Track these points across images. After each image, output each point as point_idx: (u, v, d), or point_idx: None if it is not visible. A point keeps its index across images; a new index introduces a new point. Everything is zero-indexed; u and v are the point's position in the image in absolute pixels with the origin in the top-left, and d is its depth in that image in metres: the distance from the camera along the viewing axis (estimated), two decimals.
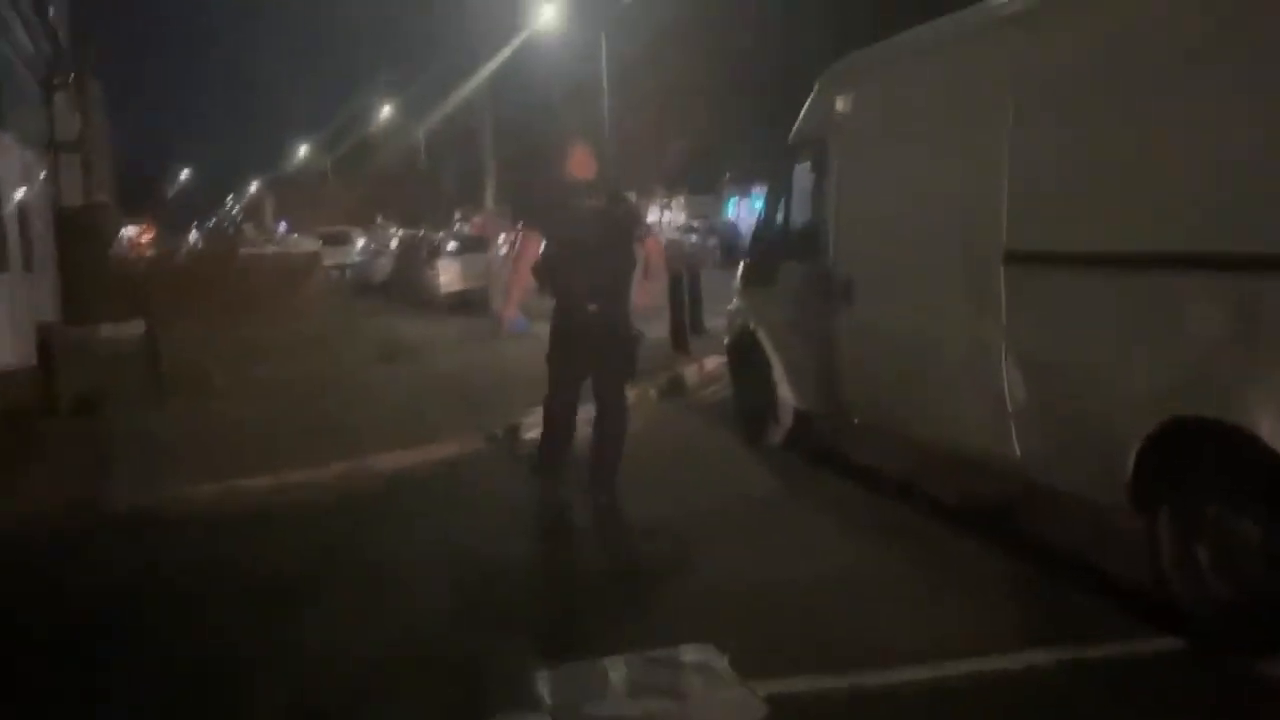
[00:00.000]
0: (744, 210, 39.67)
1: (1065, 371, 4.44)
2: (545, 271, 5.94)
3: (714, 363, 10.77)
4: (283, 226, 74.38)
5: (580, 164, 6.06)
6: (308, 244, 27.57)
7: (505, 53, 26.87)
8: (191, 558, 5.63)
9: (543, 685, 3.77)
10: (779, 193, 7.00)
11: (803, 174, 6.69)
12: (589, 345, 5.80)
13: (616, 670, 3.87)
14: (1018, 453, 4.77)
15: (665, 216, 42.35)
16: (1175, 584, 4.00)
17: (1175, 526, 3.98)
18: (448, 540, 5.73)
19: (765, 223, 7.17)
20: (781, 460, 6.95)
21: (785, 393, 6.92)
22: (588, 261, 5.74)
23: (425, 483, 7.10)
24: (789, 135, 6.78)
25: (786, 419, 7.03)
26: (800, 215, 6.81)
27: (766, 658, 3.94)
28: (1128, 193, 4.07)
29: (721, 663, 3.89)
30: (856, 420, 6.31)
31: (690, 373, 10.40)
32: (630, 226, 6.01)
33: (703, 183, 42.50)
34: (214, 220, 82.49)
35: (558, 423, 6.09)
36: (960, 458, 5.43)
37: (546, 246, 5.91)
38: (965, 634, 4.10)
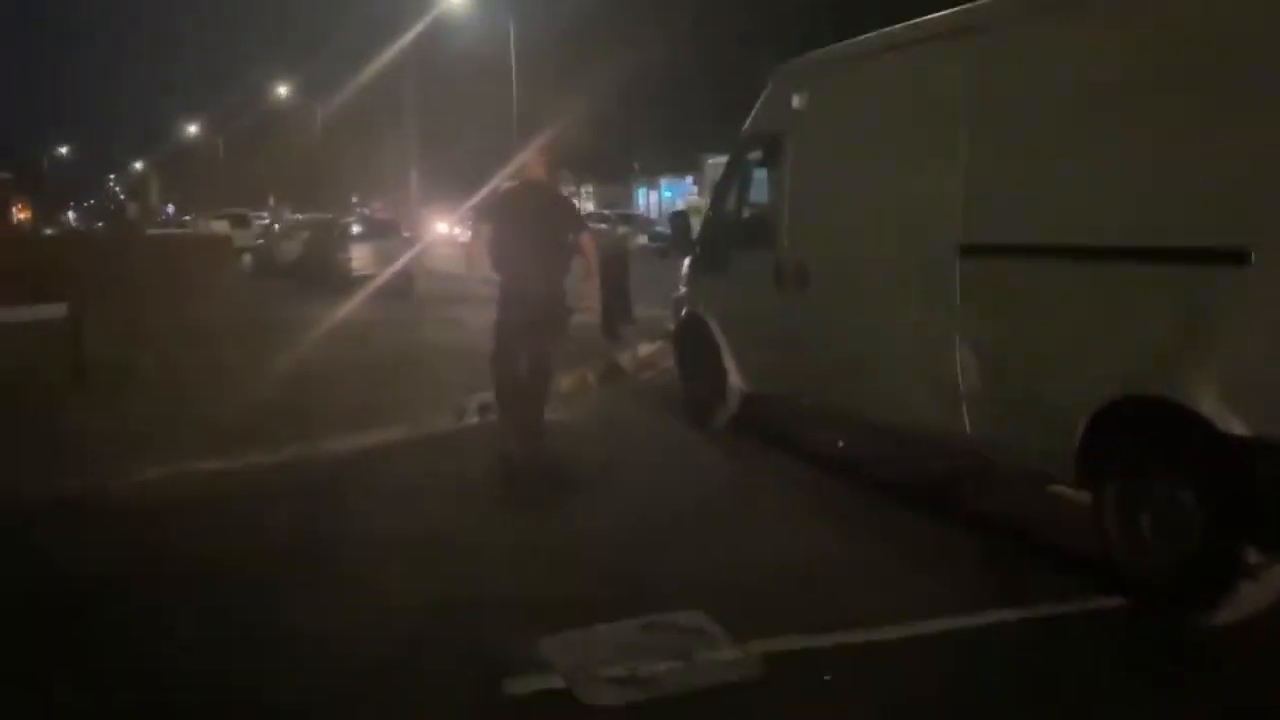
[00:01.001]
0: (652, 200, 40.17)
1: (1017, 354, 4.81)
2: (493, 254, 6.87)
3: (647, 349, 11.05)
4: (170, 208, 71.83)
5: (532, 168, 7.06)
6: (217, 226, 26.73)
7: (412, 34, 26.48)
8: (154, 541, 5.59)
9: (547, 651, 3.96)
10: (731, 183, 7.26)
11: (756, 165, 6.98)
12: (528, 315, 6.71)
13: (616, 635, 4.09)
14: (968, 430, 5.14)
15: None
16: (1119, 549, 4.40)
17: (1120, 497, 4.38)
18: (417, 519, 5.83)
19: (716, 212, 7.43)
20: (732, 443, 7.24)
21: (734, 377, 7.20)
22: (530, 248, 6.68)
23: (386, 463, 7.14)
24: (742, 126, 7.05)
25: (734, 403, 7.32)
26: (753, 205, 7.10)
27: (751, 623, 4.20)
28: (1079, 190, 4.46)
29: (714, 627, 4.14)
30: (807, 402, 6.63)
31: (625, 359, 10.62)
32: (568, 223, 6.97)
33: (611, 172, 42.75)
34: (93, 200, 78.83)
35: (504, 377, 6.89)
36: (911, 436, 5.79)
37: (496, 233, 6.86)
38: (933, 597, 4.44)
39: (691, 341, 7.69)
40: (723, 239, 7.29)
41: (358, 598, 4.69)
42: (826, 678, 3.79)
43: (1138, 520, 4.30)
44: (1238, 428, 3.80)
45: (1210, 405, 3.88)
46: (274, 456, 7.19)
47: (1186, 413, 3.97)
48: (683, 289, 7.95)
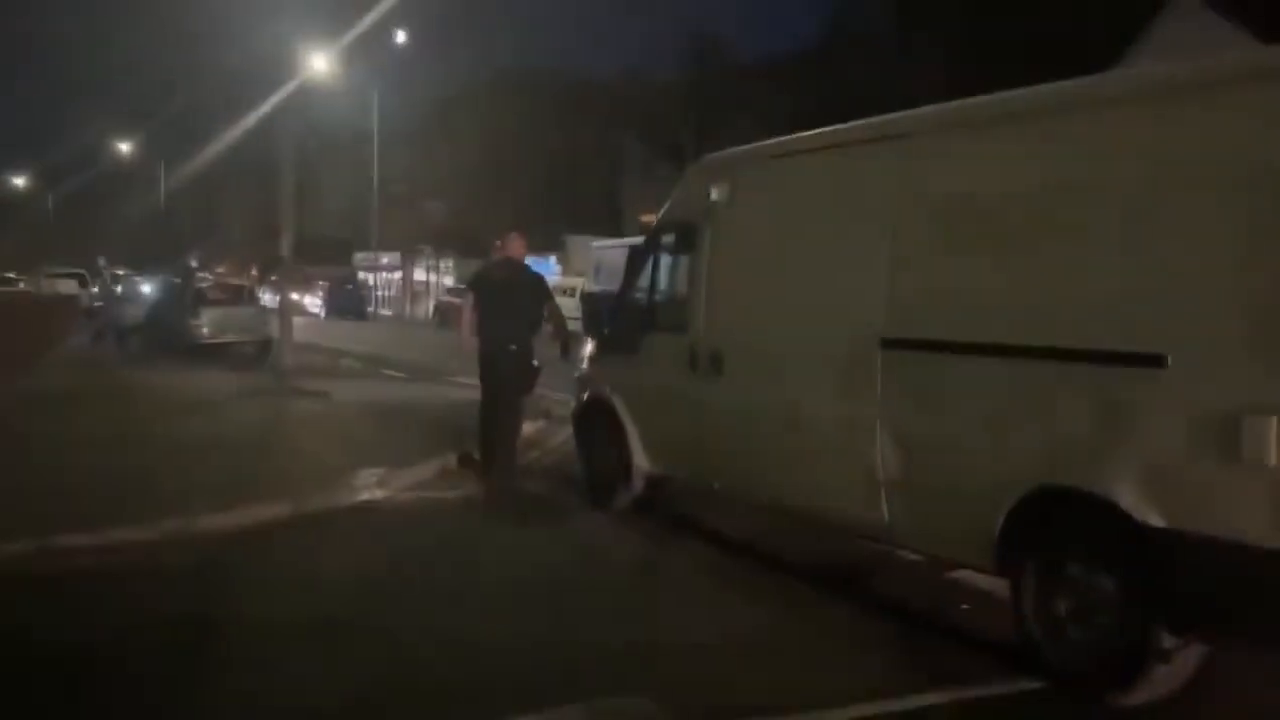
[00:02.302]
0: None
1: (938, 445, 5.02)
2: (478, 319, 8.32)
3: (530, 428, 10.97)
4: None
5: (513, 248, 8.62)
6: (63, 286, 25.05)
7: (274, 100, 26.00)
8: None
9: None
10: (642, 268, 7.37)
11: (669, 251, 7.14)
12: (503, 370, 8.14)
13: None
14: (886, 519, 5.32)
15: (433, 277, 42.23)
16: (1037, 632, 4.60)
17: (1038, 583, 4.60)
18: (317, 602, 5.56)
19: (626, 295, 7.52)
20: (637, 523, 7.23)
21: (640, 458, 7.23)
22: (508, 315, 8.14)
23: (271, 541, 6.80)
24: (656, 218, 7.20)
25: (638, 484, 7.33)
26: (666, 290, 7.24)
27: (693, 708, 4.18)
28: (1002, 291, 4.75)
29: (660, 712, 4.10)
30: (716, 486, 6.70)
31: None
32: (540, 295, 8.45)
33: (471, 247, 42.67)
34: None
35: (488, 426, 8.28)
36: (825, 523, 5.92)
37: (480, 303, 8.32)
38: (866, 680, 4.54)
39: (595, 422, 7.69)
40: (633, 322, 7.37)
41: (268, 692, 4.38)
42: None
43: (1055, 605, 4.53)
44: (1155, 520, 4.08)
45: (1129, 498, 4.16)
46: (147, 533, 6.73)
47: (1105, 505, 4.24)
48: (585, 369, 7.98)
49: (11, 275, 37.86)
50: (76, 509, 6.91)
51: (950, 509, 4.98)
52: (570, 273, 35.85)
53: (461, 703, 4.22)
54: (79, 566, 6.01)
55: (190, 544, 6.61)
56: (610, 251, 26.90)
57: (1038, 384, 4.58)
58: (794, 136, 6.24)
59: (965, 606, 5.49)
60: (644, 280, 7.38)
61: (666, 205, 7.19)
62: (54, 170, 67.27)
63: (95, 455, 8.79)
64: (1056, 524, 4.54)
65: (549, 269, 39.72)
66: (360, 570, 6.20)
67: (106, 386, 13.65)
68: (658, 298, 7.33)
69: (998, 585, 5.00)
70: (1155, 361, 4.08)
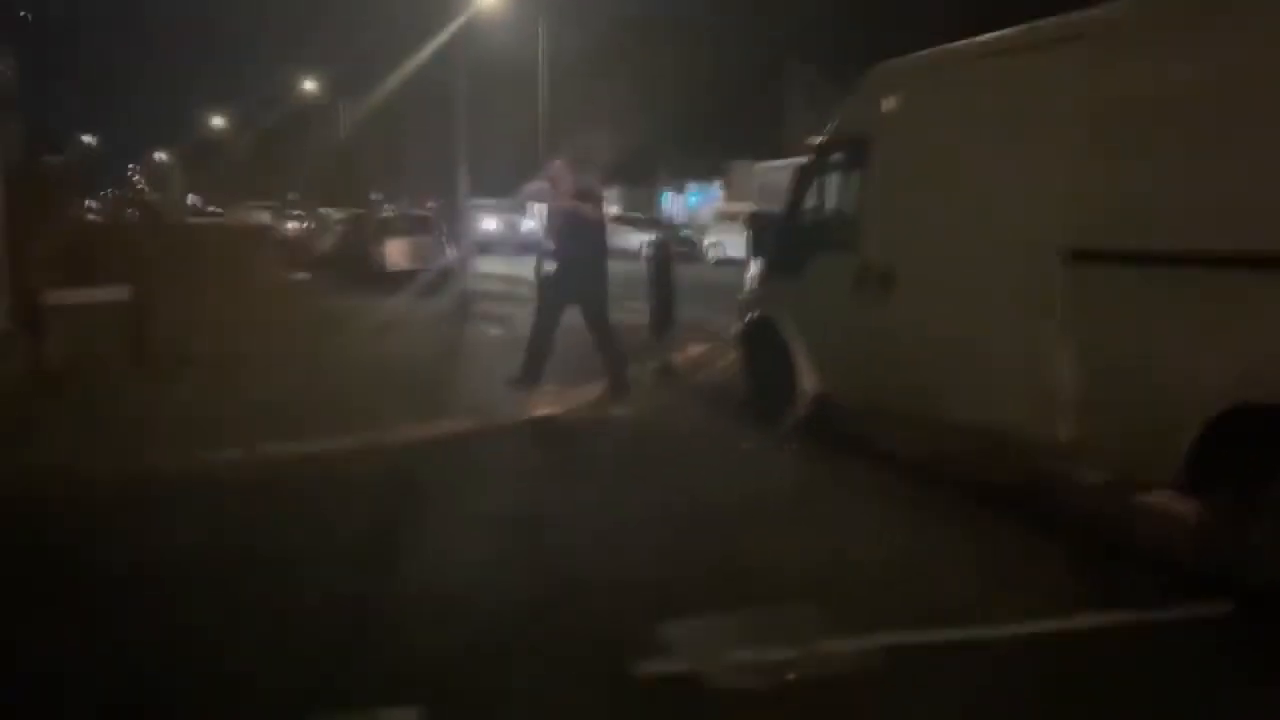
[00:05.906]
0: (677, 205, 40.25)
1: (1126, 361, 4.81)
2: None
3: (697, 349, 11.12)
4: (191, 199, 72.08)
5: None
6: (260, 216, 26.78)
7: (443, 36, 26.57)
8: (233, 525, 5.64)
9: (670, 635, 4.01)
10: (810, 186, 7.28)
11: (837, 168, 7.01)
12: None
13: (736, 623, 4.14)
14: (1064, 436, 5.16)
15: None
16: (1231, 556, 4.39)
17: (1233, 504, 4.39)
18: (507, 503, 5.98)
19: (791, 215, 7.45)
20: (803, 444, 7.23)
21: (807, 380, 7.21)
22: None
23: (463, 449, 7.24)
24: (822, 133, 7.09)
25: (806, 405, 7.32)
26: (834, 208, 7.13)
27: (860, 617, 4.24)
28: (1193, 197, 4.48)
29: (827, 618, 4.17)
30: (887, 405, 6.63)
31: (678, 359, 10.66)
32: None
33: (637, 175, 42.84)
34: (112, 190, 78.94)
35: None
36: (1001, 441, 5.78)
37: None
38: (1034, 598, 4.47)
39: (762, 343, 7.71)
40: (799, 242, 7.29)
41: (468, 572, 4.84)
42: None
43: (1251, 527, 4.31)
44: None
45: None
46: (348, 442, 7.25)
47: None
48: (750, 291, 7.98)
49: (214, 209, 40.68)
50: (278, 423, 7.51)
51: (1136, 427, 4.79)
52: (734, 198, 35.54)
53: (632, 597, 4.44)
54: (284, 474, 6.55)
55: (385, 452, 7.10)
56: (774, 173, 26.54)
57: (1232, 292, 4.33)
58: (970, 41, 5.98)
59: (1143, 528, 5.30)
60: (811, 199, 7.28)
61: (835, 119, 7.04)
62: (250, 111, 71.41)
63: (295, 376, 9.46)
64: (1253, 441, 4.31)
65: (713, 195, 39.55)
66: (541, 474, 6.65)
67: (300, 311, 14.52)
68: (826, 216, 7.23)
69: (1179, 506, 4.82)
70: None
